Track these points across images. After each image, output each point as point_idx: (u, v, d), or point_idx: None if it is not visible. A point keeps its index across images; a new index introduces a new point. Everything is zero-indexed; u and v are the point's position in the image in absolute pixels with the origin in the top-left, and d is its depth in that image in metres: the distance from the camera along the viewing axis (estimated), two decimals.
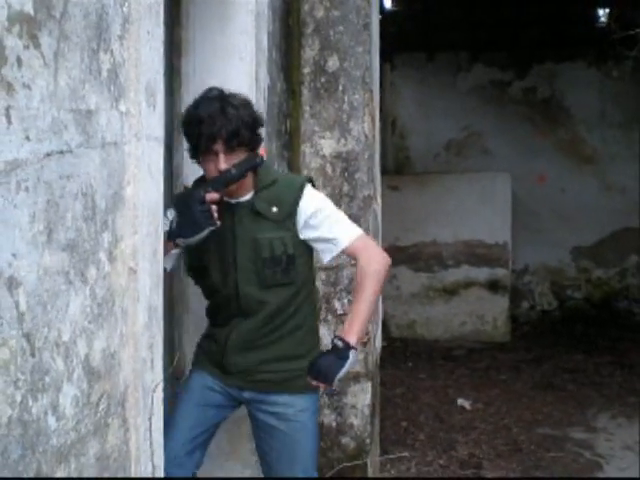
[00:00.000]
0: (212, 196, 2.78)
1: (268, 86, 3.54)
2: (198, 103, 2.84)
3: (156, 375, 2.16)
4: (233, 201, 2.91)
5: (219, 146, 2.78)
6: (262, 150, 2.90)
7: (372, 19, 4.30)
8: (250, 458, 3.40)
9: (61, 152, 1.72)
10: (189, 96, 3.24)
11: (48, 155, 1.66)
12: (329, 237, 2.93)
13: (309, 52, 4.16)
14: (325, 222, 2.94)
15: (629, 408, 6.32)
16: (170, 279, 3.24)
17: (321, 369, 2.89)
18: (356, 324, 2.87)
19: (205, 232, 2.77)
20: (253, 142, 2.85)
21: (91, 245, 1.84)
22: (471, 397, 6.54)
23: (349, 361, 2.85)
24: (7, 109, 1.50)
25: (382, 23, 5.11)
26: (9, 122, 1.51)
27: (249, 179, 2.90)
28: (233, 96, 2.86)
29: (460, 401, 6.41)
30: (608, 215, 9.68)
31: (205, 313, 3.09)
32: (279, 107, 3.85)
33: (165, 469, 2.30)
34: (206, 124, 2.76)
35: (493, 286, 8.67)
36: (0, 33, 1.48)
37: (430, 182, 8.65)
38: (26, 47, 1.57)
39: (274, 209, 2.90)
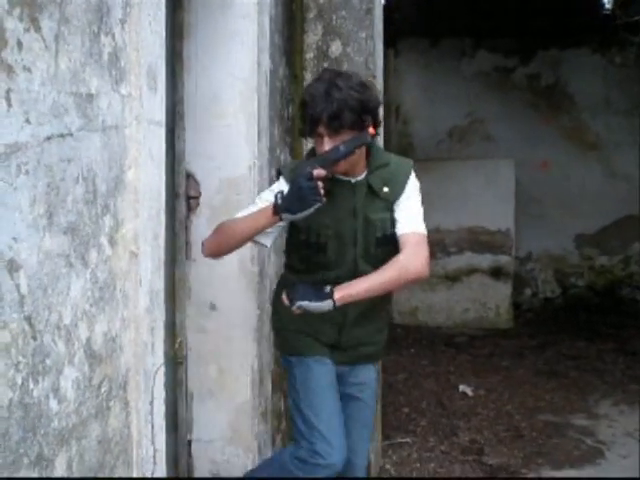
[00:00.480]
0: (319, 172, 2.80)
1: (270, 70, 3.53)
2: (309, 85, 2.94)
3: (157, 359, 2.17)
4: (352, 180, 2.98)
5: (322, 128, 2.83)
6: (371, 129, 2.89)
7: (375, 4, 4.28)
8: (252, 443, 3.41)
9: (62, 135, 1.72)
10: (191, 80, 3.24)
11: (48, 138, 1.67)
12: (401, 219, 3.00)
13: (312, 37, 4.14)
14: (409, 207, 3.02)
15: (631, 395, 6.32)
16: (172, 264, 3.25)
17: (296, 287, 2.90)
18: (351, 288, 2.86)
19: (312, 209, 2.79)
20: (358, 125, 2.85)
21: (92, 229, 1.85)
22: (473, 383, 6.54)
23: (320, 303, 2.82)
24: (7, 92, 1.50)
25: (386, 9, 5.09)
26: (9, 105, 1.51)
27: (362, 158, 2.97)
28: (344, 77, 2.88)
29: (462, 387, 6.41)
30: (612, 202, 9.65)
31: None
32: (281, 92, 3.84)
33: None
34: (310, 106, 2.83)
35: (496, 273, 8.66)
36: (0, 16, 1.47)
37: (433, 168, 8.62)
38: (27, 30, 1.57)
39: (386, 189, 2.99)
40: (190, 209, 3.30)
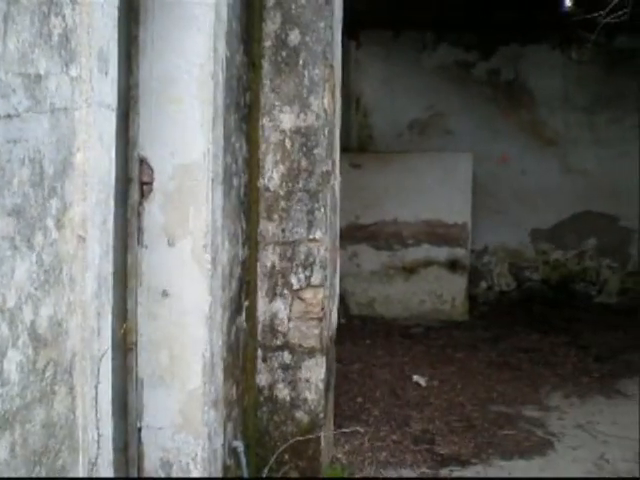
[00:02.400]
0: None
1: (227, 57, 3.51)
2: None
3: (104, 344, 2.16)
4: None
5: None
6: None
7: None
8: (202, 430, 3.41)
9: (8, 116, 1.70)
10: (146, 64, 3.21)
11: None
12: None
13: (270, 25, 4.13)
14: None
15: (582, 387, 6.43)
16: (124, 250, 3.23)
17: None
18: None
19: None
20: None
21: (38, 211, 1.83)
22: (427, 374, 6.60)
23: None
24: None
25: (349, 0, 5.09)
26: None
27: None
28: None
29: (416, 378, 6.46)
30: (568, 198, 9.77)
31: None
32: (238, 79, 3.83)
33: None
34: None
35: (452, 266, 8.73)
36: None
37: (392, 161, 8.66)
38: None
39: None
40: (143, 195, 3.28)
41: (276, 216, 4.22)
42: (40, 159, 1.83)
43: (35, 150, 1.81)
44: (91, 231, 2.05)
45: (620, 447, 5.15)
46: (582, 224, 9.86)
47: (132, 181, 3.24)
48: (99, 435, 2.12)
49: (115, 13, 2.19)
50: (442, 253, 8.71)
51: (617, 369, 6.89)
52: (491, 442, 5.25)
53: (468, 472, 4.78)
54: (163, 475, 3.40)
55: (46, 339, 1.89)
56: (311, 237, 4.20)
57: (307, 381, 4.27)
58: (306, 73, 4.15)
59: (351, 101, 9.77)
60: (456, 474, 4.76)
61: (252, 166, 4.16)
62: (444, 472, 4.77)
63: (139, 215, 3.29)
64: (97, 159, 2.07)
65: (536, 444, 5.26)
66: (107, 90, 2.12)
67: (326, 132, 4.21)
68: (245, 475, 3.92)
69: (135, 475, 3.39)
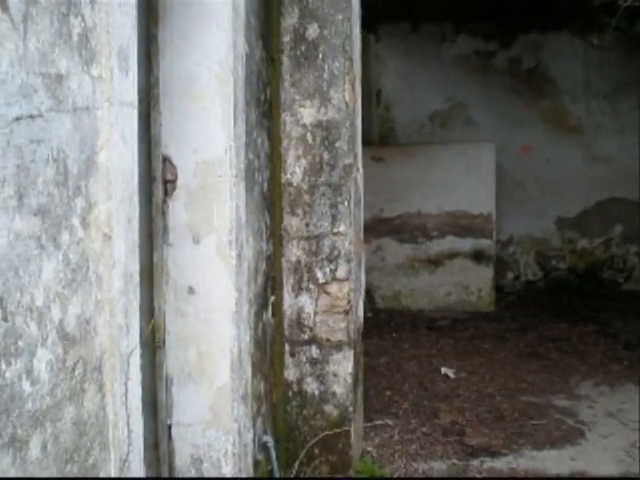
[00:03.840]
0: None
1: (246, 53, 3.52)
2: None
3: (132, 341, 2.17)
4: None
5: None
6: None
7: None
8: (232, 426, 3.42)
9: (31, 116, 1.71)
10: (166, 63, 3.22)
11: (17, 119, 1.66)
12: None
13: (289, 20, 4.13)
14: None
15: (612, 376, 6.38)
16: (149, 248, 3.24)
17: None
18: None
19: None
20: None
21: (63, 210, 1.84)
22: (455, 366, 6.58)
23: None
24: None
25: None
26: None
27: None
28: None
29: (444, 370, 6.45)
30: (592, 185, 9.70)
31: None
32: (258, 75, 3.83)
33: None
34: None
35: (478, 257, 8.70)
36: None
37: (414, 153, 8.64)
38: None
39: None
40: (167, 193, 3.29)
41: (300, 210, 4.23)
42: (64, 158, 1.84)
43: (59, 149, 1.82)
44: (116, 229, 2.06)
45: None
46: (607, 211, 9.79)
47: (155, 179, 3.26)
48: (129, 432, 2.13)
49: (134, 12, 2.20)
50: (467, 244, 8.68)
51: None
52: (521, 432, 5.23)
53: (499, 463, 4.76)
54: (194, 471, 3.41)
55: (75, 337, 1.90)
56: (335, 231, 4.20)
57: (335, 375, 4.27)
58: (326, 67, 4.15)
59: (372, 95, 9.76)
60: (487, 465, 4.74)
61: (274, 161, 4.17)
62: (475, 463, 4.76)
63: (164, 213, 3.30)
64: (120, 158, 2.08)
65: (567, 433, 5.24)
66: (128, 88, 2.13)
67: (347, 125, 4.20)
68: (275, 469, 3.93)
69: (167, 472, 3.41)
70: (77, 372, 1.92)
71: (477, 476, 4.63)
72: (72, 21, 1.88)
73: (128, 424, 2.12)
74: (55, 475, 1.82)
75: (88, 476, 1.97)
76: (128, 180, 2.14)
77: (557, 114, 9.88)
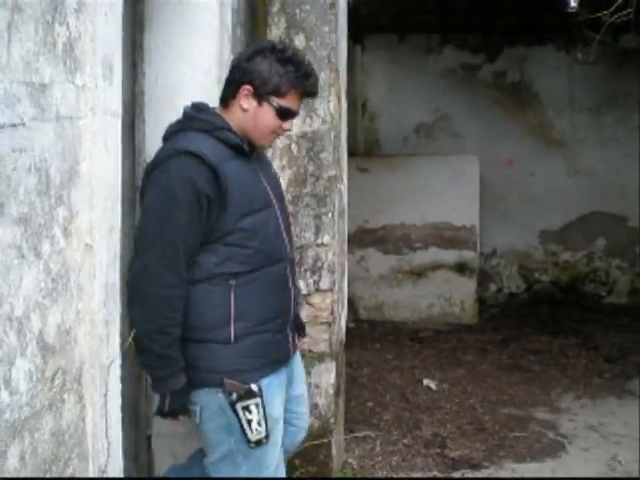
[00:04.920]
0: None
1: None
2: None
3: (113, 352, 2.16)
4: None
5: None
6: None
7: None
8: None
9: (14, 125, 1.70)
10: (151, 73, 3.22)
11: (0, 128, 1.65)
12: None
13: (275, 31, 4.14)
14: None
15: (593, 389, 6.40)
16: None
17: None
18: None
19: None
20: None
21: (45, 220, 1.83)
22: (437, 377, 6.58)
23: None
24: None
25: (354, 5, 5.10)
26: None
27: None
28: None
29: (426, 381, 6.45)
30: (576, 199, 9.74)
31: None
32: None
33: None
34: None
35: (461, 268, 8.71)
36: None
37: (399, 164, 8.65)
38: None
39: None
40: None
41: None
42: (46, 168, 1.83)
43: (41, 159, 1.81)
44: (98, 239, 2.06)
45: (632, 448, 5.12)
46: (591, 225, 9.82)
47: (139, 189, 3.24)
48: (109, 443, 2.12)
49: (119, 21, 2.20)
50: (450, 256, 8.69)
51: (628, 370, 6.86)
52: (502, 445, 5.23)
53: (479, 475, 4.77)
54: None
55: (54, 347, 1.89)
56: (319, 242, 4.20)
57: (317, 386, 4.26)
58: None
59: (357, 106, 9.77)
60: (468, 477, 4.74)
61: None
62: (456, 475, 4.76)
63: None
64: (103, 167, 2.07)
65: (547, 446, 5.24)
66: (112, 98, 2.13)
67: (332, 137, 4.21)
68: None
69: None
70: (56, 382, 1.91)
71: None
72: (57, 30, 1.88)
73: (107, 435, 2.11)
74: None
75: None
76: (111, 190, 2.14)
77: (541, 127, 9.92)
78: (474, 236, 8.68)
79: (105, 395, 2.10)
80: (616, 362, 7.09)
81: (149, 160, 3.24)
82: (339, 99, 4.36)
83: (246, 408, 2.74)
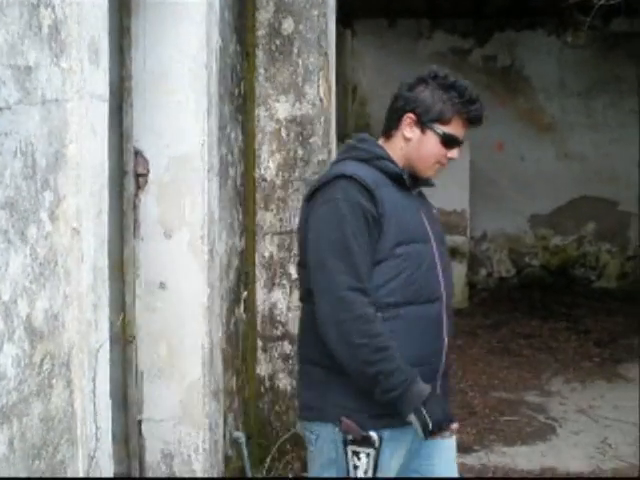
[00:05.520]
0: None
1: (220, 47, 3.50)
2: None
3: (101, 336, 2.15)
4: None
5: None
6: None
7: None
8: (203, 421, 3.40)
9: None
10: (139, 56, 3.20)
11: None
12: None
13: (264, 14, 4.11)
14: None
15: (583, 372, 6.43)
16: (120, 242, 3.22)
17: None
18: None
19: None
20: None
21: (31, 204, 1.82)
22: None
23: None
24: None
25: None
26: None
27: None
28: None
29: None
30: (566, 183, 9.75)
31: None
32: (232, 69, 3.81)
33: None
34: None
35: (451, 253, 8.67)
36: None
37: None
38: None
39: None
40: (139, 187, 3.27)
41: (273, 206, 4.21)
42: (32, 151, 1.81)
43: (27, 142, 1.79)
44: (85, 223, 2.04)
45: (622, 431, 5.15)
46: (581, 209, 9.85)
47: (127, 173, 3.23)
48: (97, 428, 2.11)
49: (105, 4, 2.18)
50: None
51: (618, 353, 6.90)
52: (493, 428, 5.25)
53: (470, 459, 4.78)
54: (164, 467, 3.40)
55: (42, 332, 1.88)
56: None
57: None
58: (300, 62, 4.13)
59: (347, 90, 9.74)
60: (458, 461, 4.74)
61: (248, 156, 4.15)
62: None
63: (135, 207, 3.28)
64: (90, 151, 2.05)
65: (538, 429, 5.27)
66: (99, 81, 2.11)
67: (322, 121, 4.19)
68: (246, 466, 3.92)
69: (137, 468, 3.39)
70: (45, 367, 1.90)
71: None
72: (42, 12, 1.86)
73: (96, 420, 2.10)
74: (22, 472, 1.80)
75: (57, 476, 1.95)
76: (98, 173, 2.12)
77: (532, 112, 9.92)
78: (464, 220, 8.69)
79: (94, 380, 2.09)
80: (606, 346, 7.12)
81: (137, 145, 3.24)
82: (328, 83, 4.34)
83: (356, 454, 2.46)
